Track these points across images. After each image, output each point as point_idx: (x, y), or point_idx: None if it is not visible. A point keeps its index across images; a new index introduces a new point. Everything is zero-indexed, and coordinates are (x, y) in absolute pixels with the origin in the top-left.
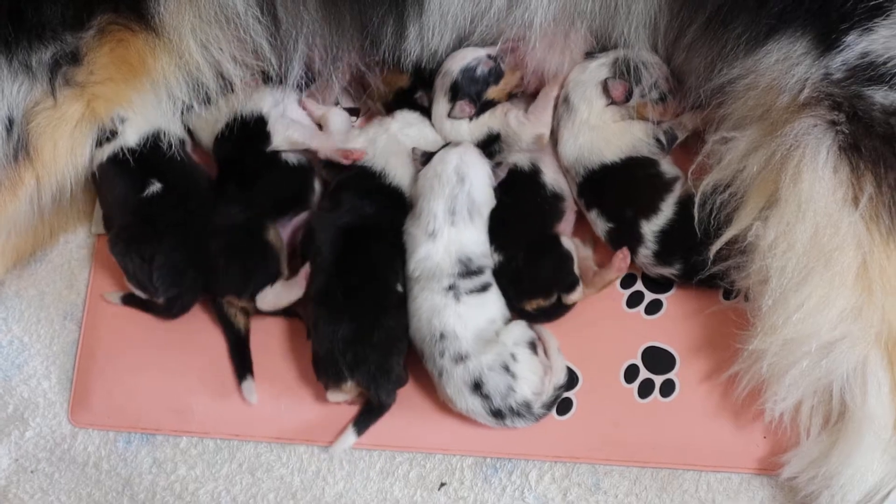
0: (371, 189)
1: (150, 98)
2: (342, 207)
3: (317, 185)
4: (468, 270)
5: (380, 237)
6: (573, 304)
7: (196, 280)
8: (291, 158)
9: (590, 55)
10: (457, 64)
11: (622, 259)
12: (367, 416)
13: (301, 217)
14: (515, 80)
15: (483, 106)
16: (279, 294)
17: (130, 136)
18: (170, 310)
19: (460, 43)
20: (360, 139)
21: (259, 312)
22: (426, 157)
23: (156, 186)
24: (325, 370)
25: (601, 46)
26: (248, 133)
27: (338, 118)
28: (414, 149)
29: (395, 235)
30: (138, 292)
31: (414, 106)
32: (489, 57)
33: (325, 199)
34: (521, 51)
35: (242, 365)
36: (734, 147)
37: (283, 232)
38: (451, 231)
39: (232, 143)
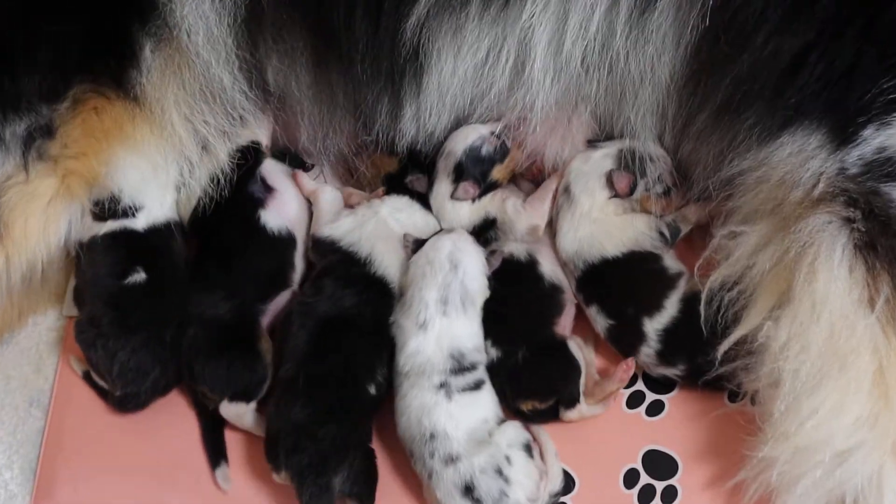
0: (355, 277)
1: (158, 175)
2: (322, 294)
3: (299, 263)
4: (460, 367)
5: (359, 332)
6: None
7: (159, 380)
8: (273, 227)
9: (592, 143)
10: (460, 144)
11: (625, 370)
12: None
13: (282, 297)
14: (520, 159)
15: (487, 187)
16: (248, 418)
17: (141, 222)
18: (124, 404)
19: (458, 124)
20: (347, 221)
21: None
22: (417, 245)
23: (139, 276)
24: (266, 449)
25: (605, 133)
26: (237, 196)
27: (329, 196)
28: (406, 235)
29: (377, 331)
30: (97, 379)
31: (404, 190)
32: (493, 134)
33: (309, 284)
34: (521, 134)
35: (216, 451)
36: (744, 242)
37: (263, 318)
38: (443, 322)
39: (213, 212)
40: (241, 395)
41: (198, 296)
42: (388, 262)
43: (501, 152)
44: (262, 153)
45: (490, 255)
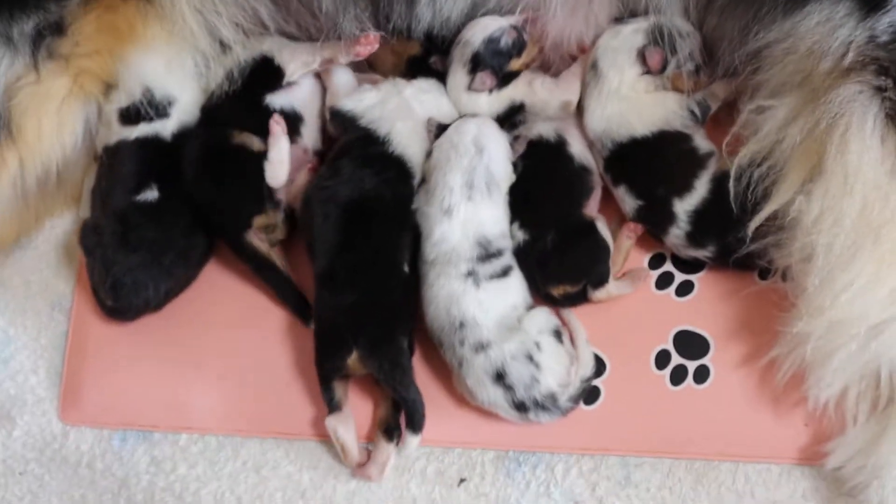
0: (372, 157)
1: (178, 70)
2: (341, 176)
3: (307, 136)
4: (487, 253)
5: (384, 216)
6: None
7: (151, 299)
8: (276, 104)
9: (618, 21)
10: (479, 34)
11: (631, 228)
12: (411, 414)
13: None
14: (535, 52)
15: (504, 78)
16: (276, 162)
17: (174, 122)
18: (113, 314)
19: (474, 9)
20: (370, 96)
21: (279, 237)
22: (441, 129)
23: (152, 194)
24: (327, 345)
25: (628, 12)
26: (253, 80)
27: (342, 74)
28: (429, 119)
29: (400, 212)
30: (92, 285)
31: (430, 72)
32: (512, 27)
33: (326, 166)
34: (541, 20)
35: (302, 302)
36: (772, 116)
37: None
38: (468, 207)
39: (229, 100)
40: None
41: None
42: (406, 142)
43: (519, 45)
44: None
45: (514, 140)
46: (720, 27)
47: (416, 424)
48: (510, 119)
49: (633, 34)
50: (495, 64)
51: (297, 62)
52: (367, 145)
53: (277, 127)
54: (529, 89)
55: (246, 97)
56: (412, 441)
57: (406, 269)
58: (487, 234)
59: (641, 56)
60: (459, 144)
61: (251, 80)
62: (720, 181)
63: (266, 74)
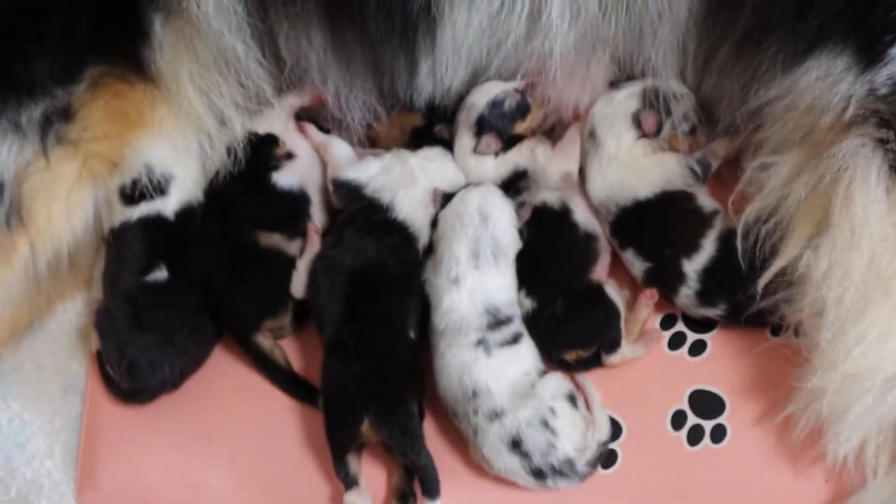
0: (375, 224)
1: (181, 150)
2: (343, 245)
3: (316, 216)
4: (496, 321)
5: (388, 283)
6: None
7: (167, 379)
8: (283, 183)
9: (614, 85)
10: (483, 97)
11: (649, 296)
12: (424, 481)
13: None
14: (541, 116)
15: (509, 141)
16: (300, 271)
17: (174, 200)
18: (130, 397)
19: (475, 77)
20: (373, 165)
21: (284, 336)
22: (446, 199)
23: (161, 274)
24: (338, 414)
25: (625, 76)
26: (253, 157)
27: (341, 146)
28: (435, 189)
29: (405, 277)
30: (108, 369)
31: (435, 142)
32: (516, 90)
33: (330, 236)
34: (540, 84)
35: (306, 390)
36: (776, 173)
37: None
38: (475, 276)
39: (235, 183)
40: (282, 292)
41: (201, 251)
42: (410, 208)
43: (523, 108)
44: (276, 147)
45: (519, 206)
46: (719, 87)
47: (431, 490)
48: (514, 185)
49: (626, 99)
50: (500, 126)
51: (272, 120)
52: (370, 213)
53: (316, 236)
54: (532, 156)
55: (251, 178)
56: None
57: (412, 334)
58: (496, 302)
59: (637, 120)
60: (464, 214)
61: (253, 158)
62: (727, 239)
63: (262, 148)
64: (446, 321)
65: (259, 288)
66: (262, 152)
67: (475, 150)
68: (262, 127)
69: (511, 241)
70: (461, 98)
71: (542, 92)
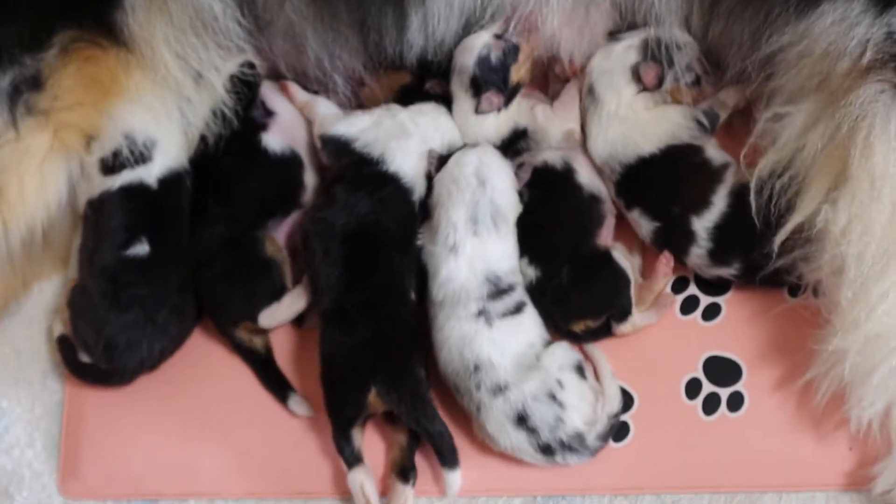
0: (366, 178)
1: (161, 117)
2: (336, 205)
3: (308, 180)
4: (497, 290)
5: (386, 242)
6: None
7: (146, 359)
8: (276, 148)
9: (613, 35)
10: (468, 58)
11: (665, 263)
12: (440, 448)
13: (294, 216)
14: (532, 49)
15: (511, 92)
16: (284, 308)
17: (158, 167)
18: (105, 379)
19: (468, 29)
20: (363, 119)
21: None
22: (441, 162)
23: (142, 248)
24: (343, 386)
25: (626, 24)
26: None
27: (325, 103)
28: (430, 151)
29: (402, 234)
30: (82, 353)
31: (427, 97)
32: (497, 38)
33: (319, 194)
34: (537, 34)
35: (279, 384)
36: (790, 123)
37: (277, 235)
38: (474, 242)
39: (212, 143)
40: (269, 301)
41: (200, 234)
42: (402, 159)
43: (513, 52)
44: (259, 75)
45: (518, 168)
46: (728, 32)
47: (449, 459)
48: (514, 146)
49: (625, 52)
50: (496, 80)
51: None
52: (360, 167)
53: (299, 302)
54: (531, 115)
55: (243, 143)
56: (453, 480)
57: (413, 296)
58: (496, 270)
59: (636, 74)
60: (460, 178)
61: (242, 116)
62: (739, 194)
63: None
64: (444, 291)
65: (248, 291)
66: (246, 96)
67: (478, 111)
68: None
69: (511, 205)
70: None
71: (539, 41)
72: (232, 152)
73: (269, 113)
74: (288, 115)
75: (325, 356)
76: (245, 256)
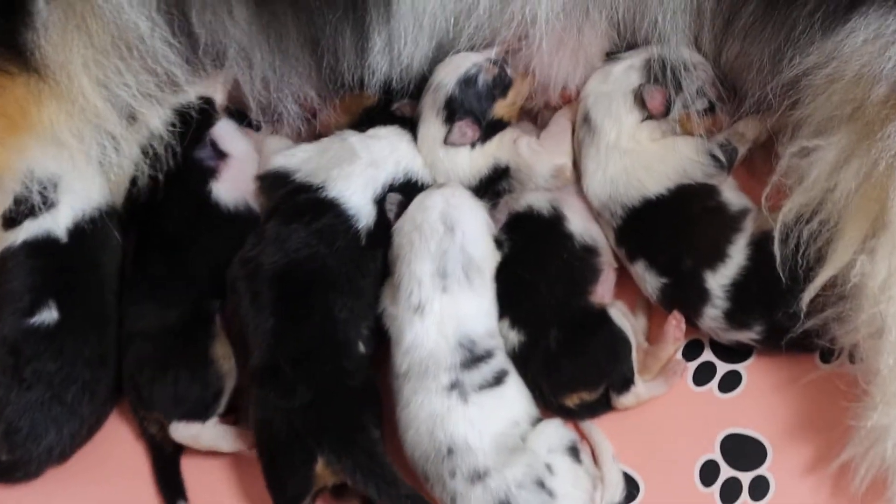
0: (301, 207)
1: (77, 156)
2: (265, 241)
3: None
4: (473, 357)
5: (323, 281)
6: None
7: (54, 447)
8: (229, 202)
9: (612, 56)
10: (451, 74)
11: (676, 326)
12: None
13: None
14: (527, 90)
15: (490, 127)
16: (204, 434)
17: (66, 215)
18: (10, 472)
19: (441, 53)
20: (305, 148)
21: None
22: (402, 207)
23: (50, 315)
24: (285, 458)
25: (625, 44)
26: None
27: (275, 139)
28: (390, 194)
29: (344, 271)
30: None
31: (393, 120)
32: (491, 62)
33: (251, 236)
34: (522, 57)
35: (171, 488)
36: (820, 159)
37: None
38: (444, 300)
39: (155, 193)
40: (193, 414)
41: (135, 306)
42: (342, 185)
43: (503, 83)
44: (213, 112)
45: (492, 208)
46: (745, 54)
47: None
48: (493, 186)
49: (625, 73)
50: (476, 109)
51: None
52: (295, 195)
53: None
54: (514, 149)
55: (187, 193)
56: None
57: (363, 347)
58: (471, 333)
59: (639, 98)
60: (424, 224)
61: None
62: (761, 244)
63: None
64: (409, 360)
65: (174, 391)
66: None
67: (446, 141)
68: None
69: (486, 254)
70: (425, 79)
71: (525, 67)
72: (174, 202)
73: (220, 155)
74: (245, 160)
75: (259, 424)
76: (185, 347)
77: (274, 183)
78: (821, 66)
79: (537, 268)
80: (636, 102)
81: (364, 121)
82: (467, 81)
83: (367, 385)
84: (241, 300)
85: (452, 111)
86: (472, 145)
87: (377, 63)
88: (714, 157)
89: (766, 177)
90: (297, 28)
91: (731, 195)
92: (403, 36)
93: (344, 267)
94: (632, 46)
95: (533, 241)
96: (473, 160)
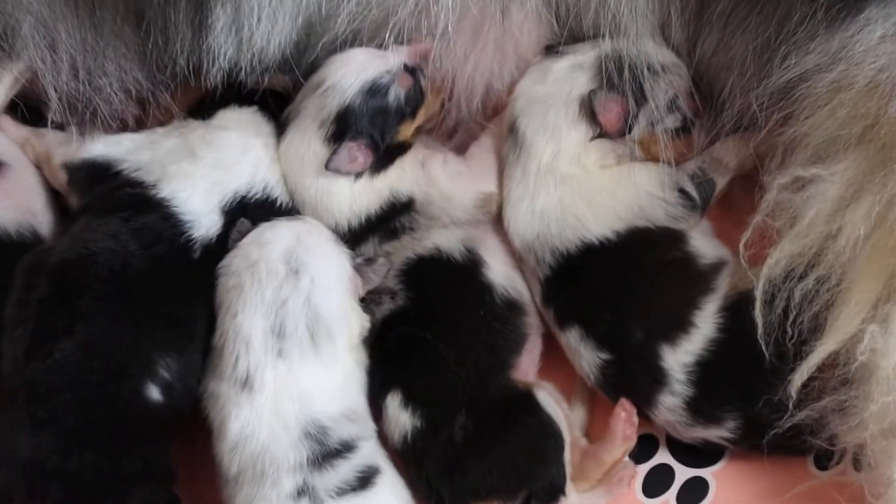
0: (122, 201)
1: None
2: (67, 235)
3: None
4: (325, 451)
5: (117, 290)
6: None
7: None
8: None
9: (552, 49)
10: (352, 76)
11: (625, 420)
12: None
13: None
14: (437, 108)
15: (388, 154)
16: None
17: None
18: None
19: (310, 37)
20: (133, 137)
21: None
22: (241, 235)
23: None
24: None
25: (567, 32)
26: None
27: (58, 135)
28: (241, 221)
29: (152, 279)
30: None
31: (246, 101)
32: (406, 70)
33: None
34: (429, 47)
35: None
36: (819, 194)
37: None
38: (279, 370)
39: None
40: None
41: None
42: (178, 184)
43: (414, 100)
44: None
45: (365, 262)
46: (725, 50)
47: None
48: (387, 224)
49: (570, 74)
50: (375, 130)
51: None
52: (118, 190)
53: None
54: (420, 173)
55: None
56: None
57: (156, 392)
58: (320, 417)
59: (588, 108)
60: (260, 262)
61: None
62: (738, 309)
63: None
64: (240, 459)
65: None
66: None
67: (328, 166)
68: None
69: (340, 313)
70: (285, 67)
71: (438, 76)
72: None
73: None
74: (25, 170)
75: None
76: None
77: (91, 176)
78: (823, 68)
79: (443, 329)
80: (583, 114)
81: (209, 102)
82: (374, 92)
83: (139, 450)
84: (12, 295)
85: (344, 127)
86: (358, 175)
87: (220, 44)
88: (683, 192)
89: (747, 216)
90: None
91: (701, 243)
92: (256, 9)
93: (154, 277)
94: (578, 38)
95: (439, 293)
96: (357, 195)
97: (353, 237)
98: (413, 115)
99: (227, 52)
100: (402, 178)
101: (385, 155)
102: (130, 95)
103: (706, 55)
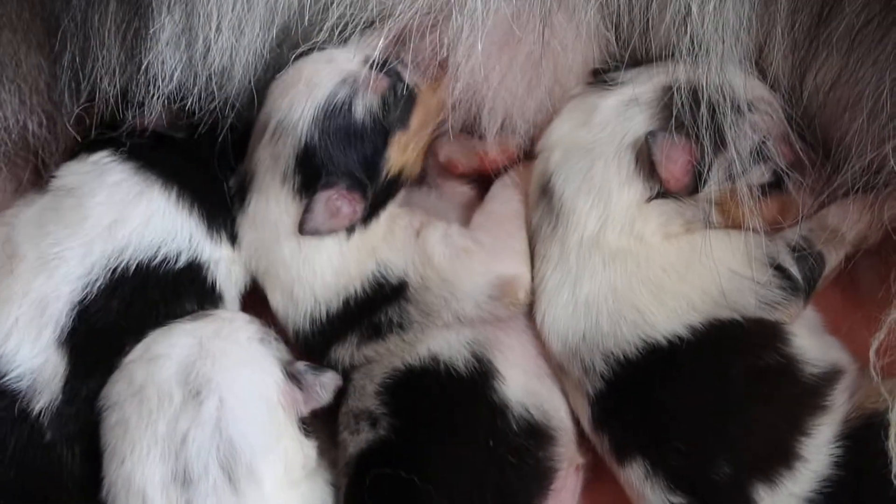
0: None
1: None
2: None
3: None
4: None
5: None
6: None
7: None
8: None
9: (600, 77)
10: (300, 102)
11: None
12: None
13: None
14: (438, 105)
15: (384, 193)
16: None
17: None
18: None
19: (288, 48)
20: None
21: None
22: None
23: None
24: None
25: (628, 55)
26: None
27: None
28: None
29: None
30: None
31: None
32: (372, 68)
33: None
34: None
35: None
36: None
37: None
38: None
39: None
40: None
41: None
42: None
43: (400, 105)
44: None
45: (310, 370)
46: (849, 82)
47: None
48: (371, 315)
49: (623, 112)
50: (354, 162)
51: None
52: None
53: None
54: (417, 249)
55: None
56: None
57: None
58: None
59: (645, 158)
60: (147, 387)
61: None
62: (863, 437)
63: None
64: None
65: None
66: None
67: (302, 229)
68: None
69: (266, 444)
70: (252, 96)
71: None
72: None
73: None
74: None
75: None
76: None
77: None
78: None
79: (436, 469)
80: (640, 166)
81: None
82: (331, 113)
83: None
84: None
85: (311, 172)
86: (350, 230)
87: (164, 61)
88: (781, 270)
89: (879, 310)
90: (22, 4)
91: (809, 343)
92: (215, 15)
93: None
94: (638, 62)
95: (432, 419)
96: (345, 259)
97: (328, 333)
98: (404, 123)
99: (174, 73)
100: (391, 246)
101: (380, 197)
102: (26, 134)
103: (821, 89)
